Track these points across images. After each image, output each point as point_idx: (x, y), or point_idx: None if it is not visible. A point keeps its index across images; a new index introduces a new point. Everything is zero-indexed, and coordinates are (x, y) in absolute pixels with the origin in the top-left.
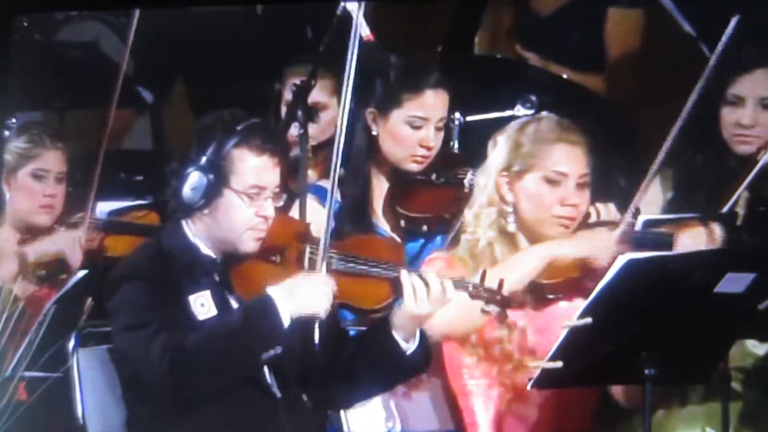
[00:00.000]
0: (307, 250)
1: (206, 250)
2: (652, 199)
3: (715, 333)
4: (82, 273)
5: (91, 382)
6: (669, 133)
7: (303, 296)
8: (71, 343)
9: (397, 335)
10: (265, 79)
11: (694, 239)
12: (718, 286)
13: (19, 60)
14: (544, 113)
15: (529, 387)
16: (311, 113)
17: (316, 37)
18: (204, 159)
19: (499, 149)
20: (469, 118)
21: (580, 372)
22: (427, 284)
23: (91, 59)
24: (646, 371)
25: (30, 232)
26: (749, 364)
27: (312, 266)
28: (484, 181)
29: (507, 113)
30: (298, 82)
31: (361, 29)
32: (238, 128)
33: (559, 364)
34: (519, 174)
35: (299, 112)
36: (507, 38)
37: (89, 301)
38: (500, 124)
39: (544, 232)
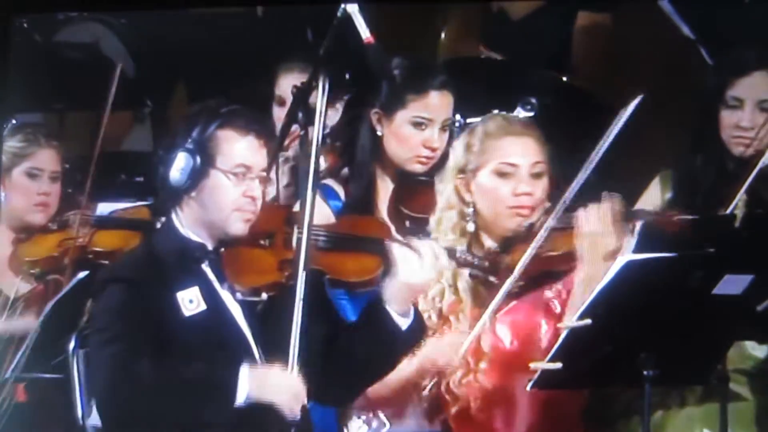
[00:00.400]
0: (295, 231)
1: (196, 238)
2: (650, 200)
3: (714, 334)
4: (82, 274)
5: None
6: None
7: (269, 390)
8: (71, 345)
9: (392, 310)
10: (266, 82)
11: (590, 218)
12: (716, 288)
13: (19, 61)
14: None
15: (528, 388)
16: (312, 115)
17: (316, 39)
18: (189, 141)
19: (454, 153)
20: (469, 120)
21: (580, 373)
22: (418, 252)
23: (91, 60)
24: (645, 372)
25: (25, 231)
26: (748, 366)
27: (300, 246)
28: (443, 186)
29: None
30: (298, 83)
31: (362, 31)
32: (222, 111)
33: (558, 365)
34: (473, 173)
35: (300, 114)
36: (471, 38)
37: (89, 302)
38: None
39: (504, 226)
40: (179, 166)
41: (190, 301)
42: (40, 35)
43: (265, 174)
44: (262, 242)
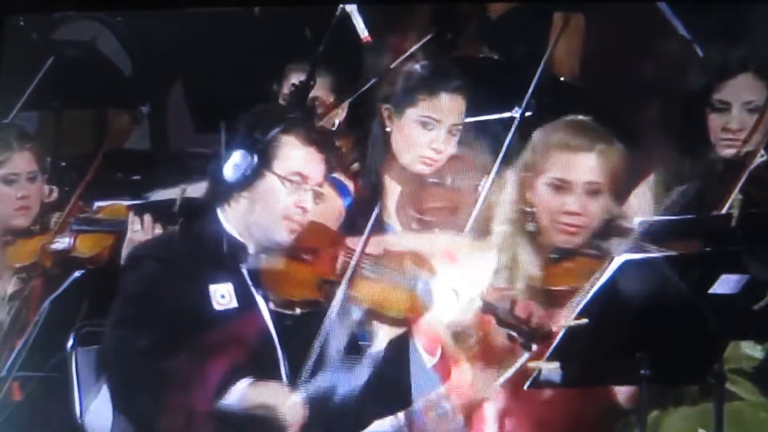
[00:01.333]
0: (342, 254)
1: (239, 238)
2: (642, 200)
3: (710, 334)
4: (78, 273)
5: (89, 382)
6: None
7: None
8: (69, 343)
9: (420, 345)
10: (264, 81)
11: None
12: (712, 288)
13: (14, 59)
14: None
15: (525, 387)
16: (310, 112)
17: (314, 38)
18: (250, 139)
19: (525, 150)
20: (467, 120)
21: (577, 372)
22: (457, 293)
23: (88, 58)
24: (642, 371)
25: (9, 234)
26: (744, 366)
27: (344, 270)
28: (510, 178)
29: (505, 115)
30: (296, 82)
31: (360, 30)
32: (289, 116)
33: (556, 364)
34: (533, 177)
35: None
36: (473, 40)
37: (85, 301)
38: (498, 125)
39: (554, 238)
40: (235, 161)
41: (222, 296)
42: (36, 33)
43: (320, 189)
44: (305, 256)
